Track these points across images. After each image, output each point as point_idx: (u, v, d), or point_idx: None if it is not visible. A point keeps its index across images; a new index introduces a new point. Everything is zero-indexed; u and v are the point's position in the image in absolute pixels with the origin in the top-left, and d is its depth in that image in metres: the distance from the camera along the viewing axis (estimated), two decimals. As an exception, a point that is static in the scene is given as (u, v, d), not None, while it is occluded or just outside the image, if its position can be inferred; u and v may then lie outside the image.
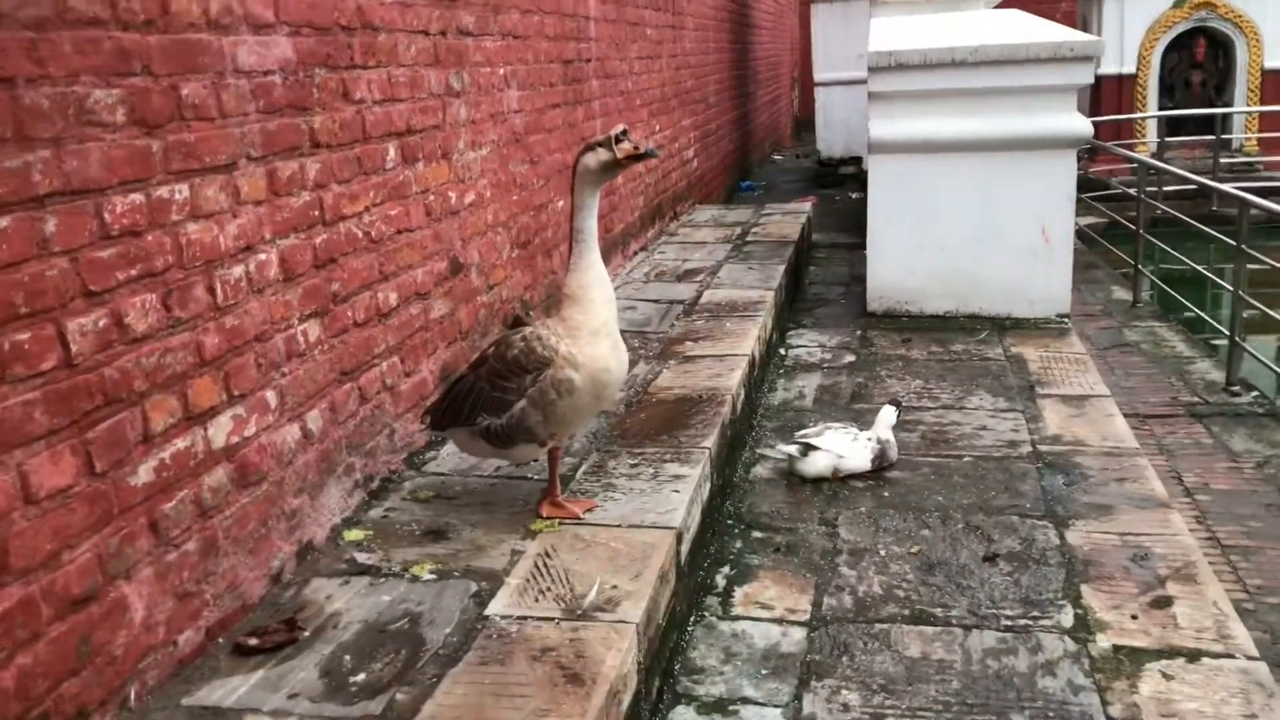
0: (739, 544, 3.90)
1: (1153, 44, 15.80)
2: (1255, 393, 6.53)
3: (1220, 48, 15.93)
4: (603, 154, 3.08)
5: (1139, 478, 4.31)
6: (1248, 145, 15.75)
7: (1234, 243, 6.80)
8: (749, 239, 7.68)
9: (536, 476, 3.59)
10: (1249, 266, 6.69)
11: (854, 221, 10.09)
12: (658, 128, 7.84)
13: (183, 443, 2.55)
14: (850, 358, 6.07)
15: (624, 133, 3.04)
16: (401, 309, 3.69)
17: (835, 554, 3.79)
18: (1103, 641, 3.16)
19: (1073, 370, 5.70)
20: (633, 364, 4.84)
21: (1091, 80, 6.39)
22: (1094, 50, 6.39)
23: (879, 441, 4.43)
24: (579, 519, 3.26)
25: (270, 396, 2.91)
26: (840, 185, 11.83)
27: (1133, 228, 9.06)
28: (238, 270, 2.76)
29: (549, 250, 5.30)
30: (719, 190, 10.60)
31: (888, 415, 4.51)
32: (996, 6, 9.99)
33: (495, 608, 2.78)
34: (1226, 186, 7.34)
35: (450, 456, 3.80)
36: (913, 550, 3.78)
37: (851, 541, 3.87)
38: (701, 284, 6.38)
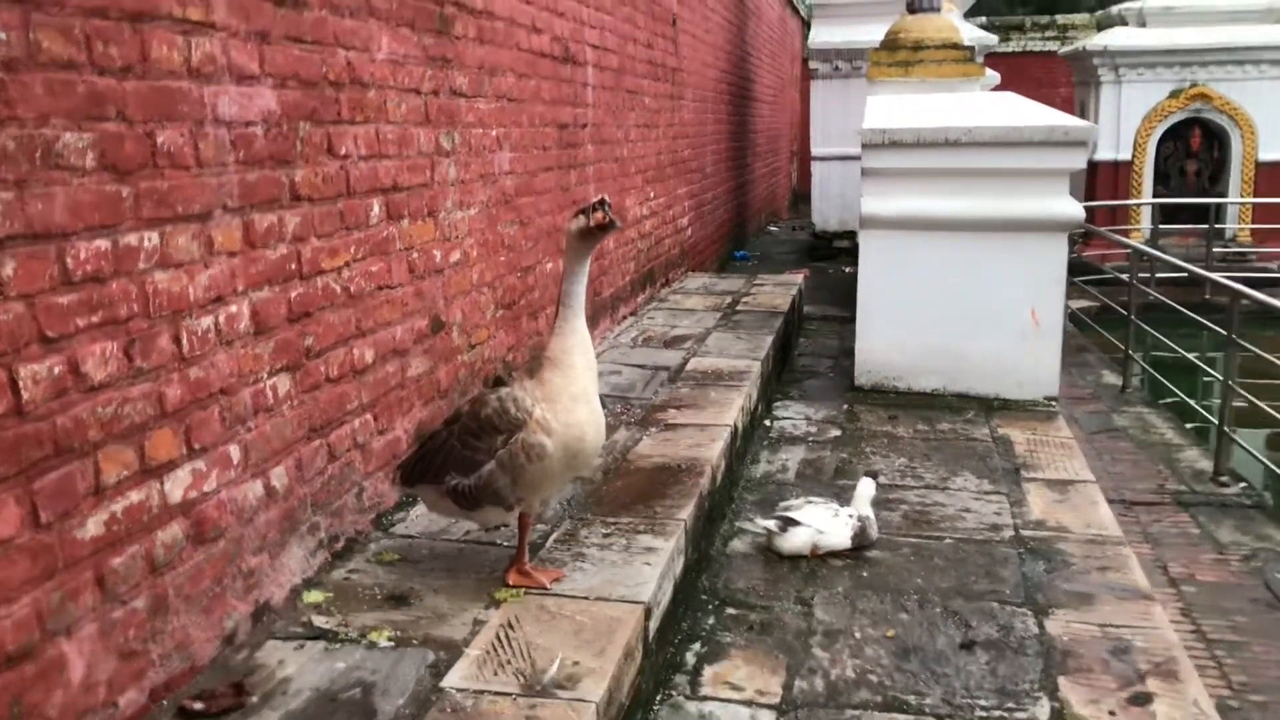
0: (712, 620, 3.81)
1: (1149, 132, 15.96)
2: (1243, 484, 6.48)
3: (1215, 139, 16.10)
4: (580, 220, 3.05)
5: (1122, 567, 4.23)
6: (1241, 235, 15.85)
7: (1225, 332, 6.80)
8: (739, 308, 7.66)
9: (506, 543, 3.51)
10: (1241, 355, 6.68)
11: (846, 294, 10.10)
12: (652, 195, 7.85)
13: (137, 496, 2.47)
14: (836, 432, 6.01)
15: (602, 202, 3.02)
16: (378, 366, 3.64)
17: (809, 634, 3.69)
18: (1079, 738, 3.08)
19: (1059, 455, 5.65)
20: (613, 430, 4.78)
21: (1084, 165, 6.42)
22: (1087, 135, 6.42)
23: (859, 519, 4.35)
24: (546, 589, 3.17)
25: (233, 451, 2.84)
26: (834, 258, 11.87)
27: (1124, 313, 9.07)
28: (206, 321, 2.71)
29: (535, 312, 5.26)
30: (713, 258, 10.62)
31: (866, 489, 4.45)
32: (993, 86, 10.10)
33: (452, 680, 2.69)
34: (1218, 276, 7.34)
35: (420, 518, 3.72)
36: (888, 634, 3.69)
37: (826, 622, 3.78)
38: (688, 351, 6.34)
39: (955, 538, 4.53)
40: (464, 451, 3.10)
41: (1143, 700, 3.26)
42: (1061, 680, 3.38)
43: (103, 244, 2.35)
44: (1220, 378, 7.02)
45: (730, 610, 3.88)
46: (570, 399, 3.02)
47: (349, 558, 3.41)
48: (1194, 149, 16.31)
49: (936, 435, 5.97)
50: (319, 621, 2.98)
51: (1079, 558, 4.32)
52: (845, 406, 6.50)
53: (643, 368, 5.91)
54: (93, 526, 2.34)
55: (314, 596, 3.12)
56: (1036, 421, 6.26)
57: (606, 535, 3.60)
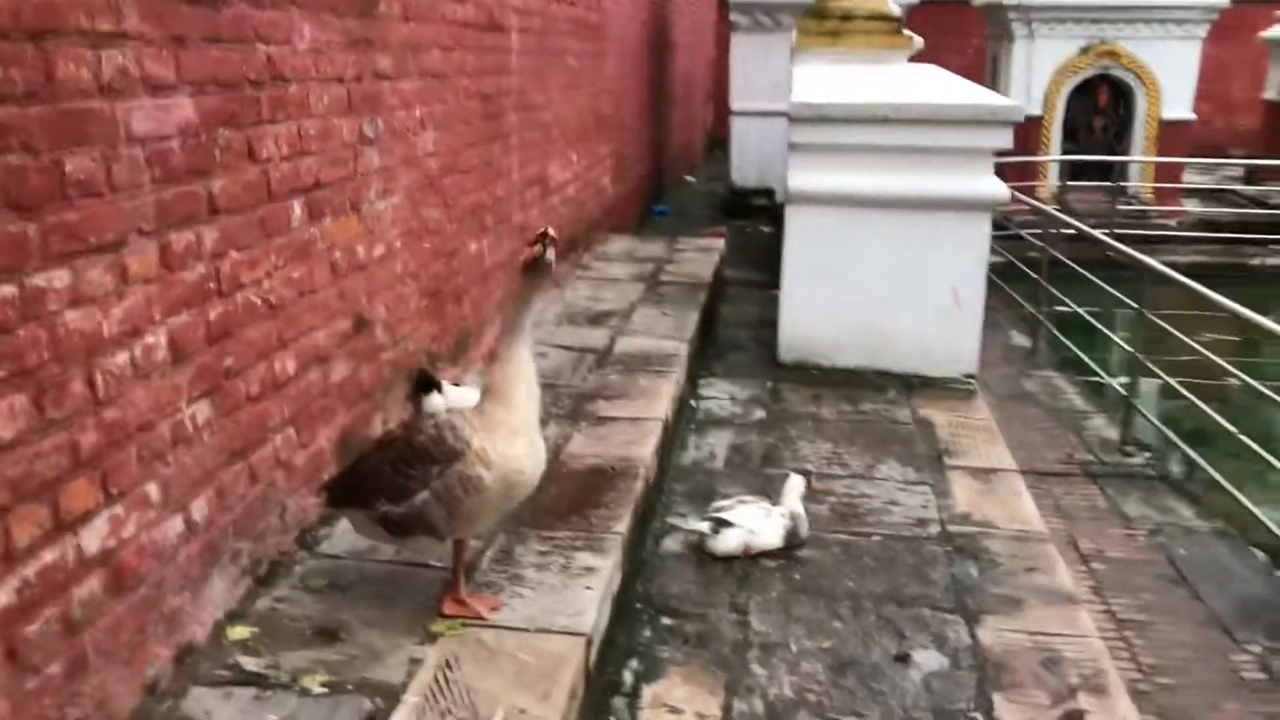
0: (648, 632, 3.75)
1: (1059, 87, 16.15)
2: (1148, 454, 6.64)
3: (1122, 96, 16.37)
4: (524, 252, 2.93)
5: (1048, 569, 4.28)
6: (1144, 193, 16.20)
7: (1135, 306, 6.92)
8: (663, 278, 7.55)
9: (439, 564, 3.38)
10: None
11: (765, 256, 10.04)
12: (575, 158, 7.66)
13: (51, 555, 2.30)
14: (761, 413, 5.98)
15: (546, 236, 2.90)
16: (300, 377, 3.46)
17: (746, 648, 3.66)
18: (1016, 764, 3.10)
19: (981, 440, 5.70)
20: (544, 423, 4.67)
21: (1009, 143, 6.41)
22: (1012, 115, 6.42)
23: (791, 517, 4.33)
24: (484, 620, 3.07)
25: (152, 490, 2.66)
26: (751, 216, 11.78)
27: (1033, 275, 9.16)
28: (122, 358, 2.52)
29: (459, 297, 5.08)
30: (632, 217, 10.46)
31: (796, 485, 4.42)
32: (916, 53, 10.05)
33: (391, 732, 2.59)
34: (1133, 251, 7.40)
35: (346, 534, 3.56)
36: (824, 645, 3.68)
37: (763, 633, 3.75)
38: (615, 329, 6.22)
39: (884, 534, 4.54)
40: (396, 478, 2.97)
41: (1075, 718, 3.30)
42: (996, 697, 3.40)
43: (8, 290, 2.14)
44: (1129, 349, 7.15)
45: (665, 620, 3.83)
46: (510, 431, 2.90)
47: (274, 583, 3.26)
48: (1101, 106, 16.58)
49: (860, 417, 5.98)
50: (247, 663, 2.85)
51: (1005, 557, 4.37)
52: (769, 384, 6.47)
53: (570, 350, 5.79)
54: (3, 596, 2.16)
55: (239, 632, 2.97)
56: (956, 401, 6.31)
57: (543, 553, 3.51)
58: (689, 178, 15.32)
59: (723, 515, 4.27)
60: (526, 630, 3.04)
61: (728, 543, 4.24)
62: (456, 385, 4.33)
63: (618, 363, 5.59)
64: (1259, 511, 5.43)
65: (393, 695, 2.73)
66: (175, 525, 2.77)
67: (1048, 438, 6.80)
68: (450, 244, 4.93)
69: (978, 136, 6.28)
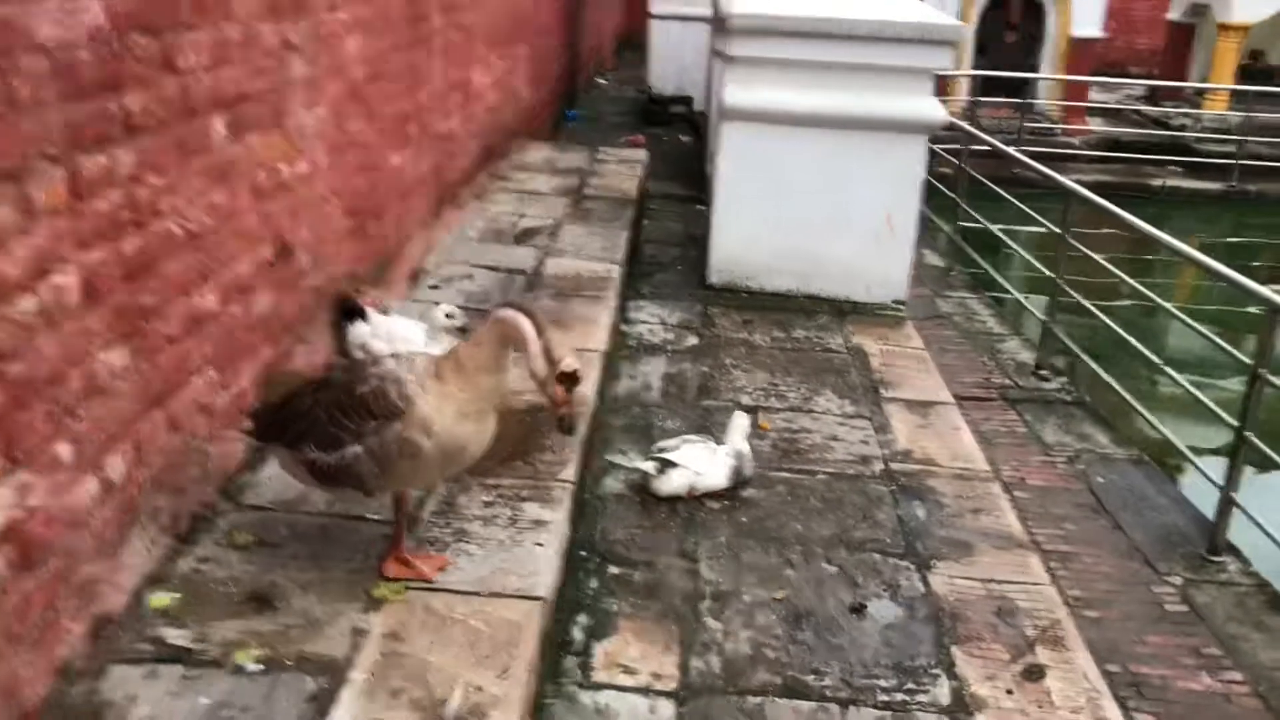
0: (595, 583, 3.57)
1: (973, 1, 16.03)
2: (1063, 378, 6.64)
3: (1034, 10, 16.33)
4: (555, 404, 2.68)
5: (994, 509, 4.24)
6: (1052, 111, 16.28)
7: (1057, 230, 6.84)
8: (587, 192, 7.24)
9: (376, 517, 3.13)
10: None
11: (686, 168, 9.79)
12: (495, 61, 7.24)
13: (-52, 536, 1.99)
14: (693, 340, 5.79)
15: (573, 379, 2.65)
16: (221, 312, 3.13)
17: (698, 598, 3.52)
18: (983, 725, 3.04)
19: (915, 369, 5.62)
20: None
21: (950, 65, 6.24)
22: (956, 35, 6.23)
23: (736, 456, 4.17)
24: (431, 582, 2.85)
25: (63, 451, 2.35)
26: (669, 125, 11.45)
27: (950, 195, 9.07)
28: (28, 303, 2.18)
29: (379, 214, 4.73)
30: (547, 122, 10.06)
31: (741, 423, 4.27)
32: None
33: (339, 716, 2.36)
34: (1055, 174, 7.27)
35: (274, 481, 3.26)
36: (778, 596, 3.56)
37: (714, 582, 3.61)
38: (543, 249, 5.92)
39: (828, 472, 4.43)
40: (329, 426, 2.69)
41: (1036, 675, 3.25)
42: (955, 651, 3.33)
43: (-108, 234, 1.80)
44: (1049, 273, 7.10)
45: (613, 569, 3.66)
46: (459, 413, 2.64)
47: (197, 540, 2.97)
48: (1013, 21, 16.52)
49: (793, 344, 5.84)
50: (171, 636, 2.58)
51: (950, 497, 4.30)
52: (700, 309, 6.28)
53: (496, 270, 5.49)
54: (-105, 588, 1.86)
55: (161, 600, 2.69)
56: (887, 328, 6.23)
57: (489, 504, 3.28)
58: (600, 80, 14.85)
59: (667, 455, 4.09)
60: (478, 594, 2.82)
61: (672, 484, 4.07)
62: (384, 313, 4.04)
63: (549, 287, 5.32)
64: (1174, 437, 5.42)
65: (337, 672, 2.50)
66: (89, 487, 2.47)
67: (965, 361, 6.75)
68: (374, 157, 4.57)
69: (921, 56, 6.08)
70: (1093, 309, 6.68)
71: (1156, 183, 14.90)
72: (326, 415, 2.70)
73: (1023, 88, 15.62)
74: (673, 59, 11.60)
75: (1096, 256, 6.63)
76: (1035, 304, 7.36)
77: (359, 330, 3.73)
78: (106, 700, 2.36)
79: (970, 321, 7.57)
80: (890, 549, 3.89)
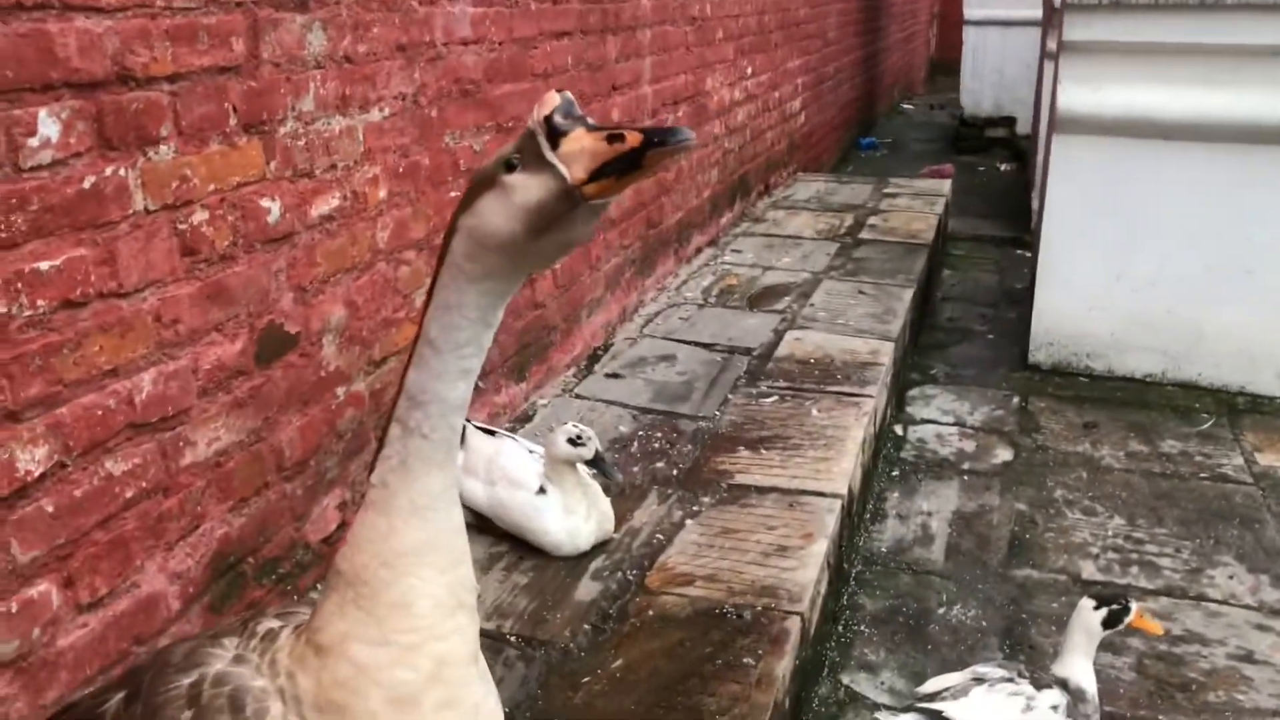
0: None
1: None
2: None
3: None
4: (533, 186, 1.02)
5: None
6: None
7: None
8: (863, 236, 5.50)
9: None
10: None
11: (1003, 204, 7.83)
12: (750, 70, 5.67)
13: None
14: (1005, 453, 3.93)
15: (575, 112, 1.03)
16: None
17: None
18: None
19: (1376, 518, 3.49)
20: (643, 495, 2.83)
21: None
22: None
23: (1069, 710, 2.33)
24: None
25: None
26: (986, 152, 9.48)
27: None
28: None
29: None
30: (832, 151, 8.38)
31: (1089, 624, 2.40)
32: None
33: None
34: None
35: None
36: None
37: None
38: (785, 316, 4.26)
39: (1242, 732, 2.48)
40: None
41: None
42: None
43: None
44: None
45: None
46: (389, 700, 1.08)
47: None
48: None
49: (1162, 465, 3.85)
50: None
51: None
52: (1017, 401, 4.39)
53: (710, 349, 3.88)
54: None
55: None
56: (1313, 438, 4.09)
57: None
58: (906, 105, 13.04)
59: (943, 709, 2.30)
60: None
61: (950, 762, 2.28)
62: (490, 433, 2.56)
63: (780, 374, 3.64)
64: None
65: None
66: None
67: None
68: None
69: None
70: None
71: None
72: None
73: None
74: (991, 73, 9.61)
75: None
76: None
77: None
78: None
79: None
80: None
